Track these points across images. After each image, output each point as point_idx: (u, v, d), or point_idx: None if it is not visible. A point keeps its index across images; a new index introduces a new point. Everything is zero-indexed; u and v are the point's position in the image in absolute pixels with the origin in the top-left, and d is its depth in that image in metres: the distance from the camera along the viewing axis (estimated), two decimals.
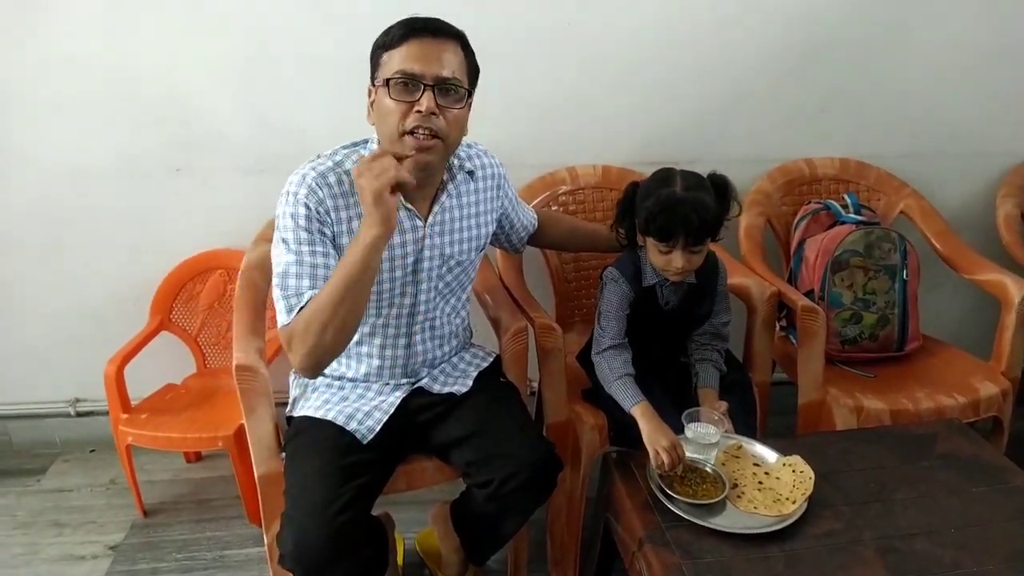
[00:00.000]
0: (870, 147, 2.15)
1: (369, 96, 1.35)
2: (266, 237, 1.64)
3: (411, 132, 1.27)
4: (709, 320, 1.65)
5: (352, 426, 1.40)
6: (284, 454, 1.43)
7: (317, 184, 1.31)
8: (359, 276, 1.22)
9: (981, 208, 2.20)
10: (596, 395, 1.66)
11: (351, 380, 1.50)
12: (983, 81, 2.12)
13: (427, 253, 1.43)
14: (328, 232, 1.32)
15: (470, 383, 1.50)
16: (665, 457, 1.34)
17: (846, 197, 2.02)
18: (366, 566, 1.36)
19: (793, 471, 1.36)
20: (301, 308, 1.26)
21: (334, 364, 1.47)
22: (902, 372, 1.85)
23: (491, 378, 1.54)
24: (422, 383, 1.50)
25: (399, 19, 1.30)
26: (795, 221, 2.05)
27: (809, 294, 1.91)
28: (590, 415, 1.63)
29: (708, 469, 1.35)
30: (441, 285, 1.49)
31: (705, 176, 1.50)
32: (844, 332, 1.88)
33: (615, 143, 2.06)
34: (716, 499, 1.28)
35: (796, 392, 1.81)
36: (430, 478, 1.50)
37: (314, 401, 1.46)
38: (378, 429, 1.42)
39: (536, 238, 1.75)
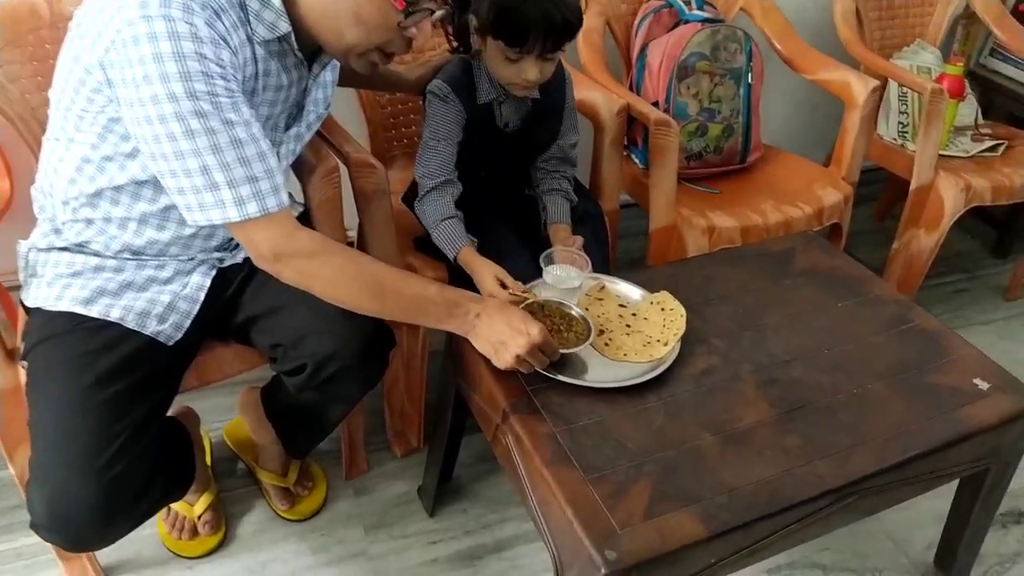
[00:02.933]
0: None
1: None
2: None
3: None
4: (556, 142, 1.41)
5: (151, 327, 1.04)
6: (25, 365, 1.04)
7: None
8: (421, 318, 1.08)
9: (818, 4, 2.07)
10: (431, 243, 1.39)
11: (136, 256, 1.08)
12: None
13: (309, 108, 1.15)
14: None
15: None
16: (501, 295, 1.16)
17: None
18: (164, 493, 1.06)
19: (662, 309, 1.20)
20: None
21: (113, 230, 1.05)
22: (746, 185, 1.74)
23: None
24: (239, 256, 1.16)
25: None
26: (635, 22, 1.80)
27: (653, 105, 1.71)
28: (427, 267, 1.37)
29: (573, 312, 1.16)
30: (298, 148, 1.17)
31: None
32: (689, 147, 1.72)
33: None
34: (581, 345, 1.10)
35: (638, 215, 1.66)
36: (228, 368, 1.19)
37: (76, 289, 1.04)
38: (188, 325, 1.07)
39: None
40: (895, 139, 2.00)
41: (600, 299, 1.23)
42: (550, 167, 1.44)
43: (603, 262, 1.41)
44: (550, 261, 1.22)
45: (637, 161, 1.79)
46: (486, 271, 1.22)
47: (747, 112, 1.75)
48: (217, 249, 1.13)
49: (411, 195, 1.46)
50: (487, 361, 1.08)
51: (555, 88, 1.37)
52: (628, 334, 1.17)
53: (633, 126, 1.75)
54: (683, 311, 1.18)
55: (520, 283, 1.19)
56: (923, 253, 1.86)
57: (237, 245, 1.15)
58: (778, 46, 1.85)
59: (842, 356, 1.16)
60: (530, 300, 1.14)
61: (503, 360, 1.03)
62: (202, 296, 1.10)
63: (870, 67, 1.93)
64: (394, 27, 0.97)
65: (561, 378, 1.06)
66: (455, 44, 1.28)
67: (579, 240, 1.32)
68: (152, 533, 1.37)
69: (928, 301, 2.04)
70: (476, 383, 1.12)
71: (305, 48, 1.03)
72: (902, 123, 2.02)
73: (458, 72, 1.31)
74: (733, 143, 1.76)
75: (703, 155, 1.74)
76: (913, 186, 1.82)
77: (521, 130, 1.37)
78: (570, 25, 1.19)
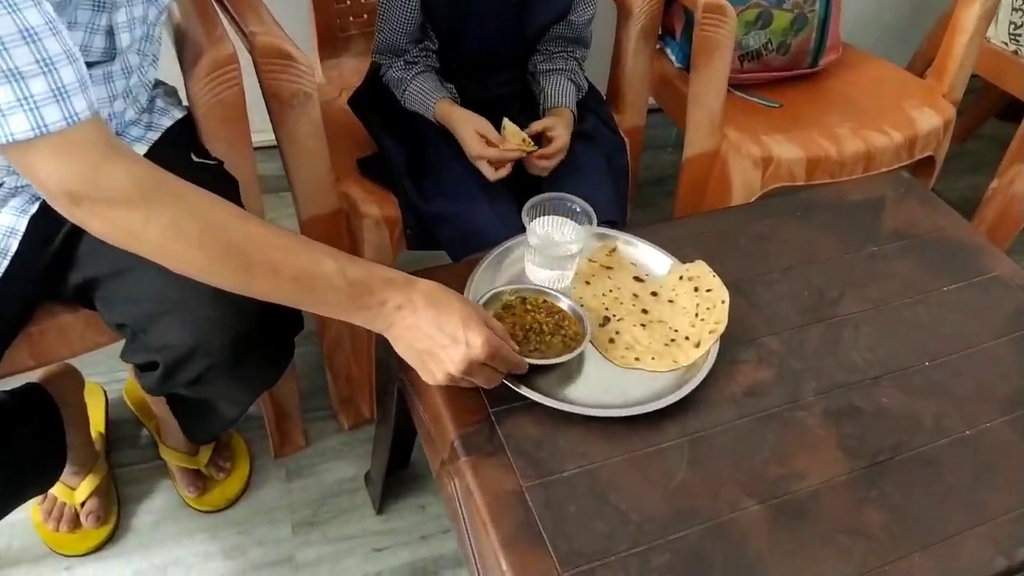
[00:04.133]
0: None
1: None
2: None
3: None
4: (567, 18, 1.01)
5: None
6: None
7: None
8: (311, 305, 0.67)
9: None
10: (383, 166, 1.02)
11: None
12: None
13: None
14: None
15: None
16: (488, 173, 0.94)
17: None
18: (15, 493, 0.81)
19: (695, 289, 0.84)
20: None
21: None
22: (816, 98, 1.33)
23: (177, 155, 0.83)
24: None
25: None
26: None
27: None
28: (372, 201, 1.00)
29: (563, 306, 0.80)
30: (147, 8, 0.75)
31: None
32: (745, 42, 1.29)
33: None
34: (572, 354, 0.75)
35: (663, 123, 1.26)
36: (78, 341, 0.85)
37: None
38: None
39: None
40: (1006, 43, 1.55)
41: (609, 268, 0.87)
42: (555, 48, 1.05)
43: (618, 205, 1.04)
44: (539, 212, 0.84)
45: (672, 57, 1.37)
46: (467, 126, 0.93)
47: None
48: None
49: (364, 95, 1.07)
50: None
51: None
52: (645, 325, 0.81)
53: (670, 8, 1.32)
54: (725, 294, 0.82)
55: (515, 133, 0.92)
56: None
57: None
58: None
59: (949, 372, 0.81)
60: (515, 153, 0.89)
61: (431, 376, 0.69)
62: (14, 244, 0.74)
63: None
64: None
65: (536, 398, 0.72)
66: None
67: (560, 133, 0.97)
68: (26, 518, 1.09)
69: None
70: (419, 389, 0.78)
71: None
72: (1015, 23, 1.56)
73: None
74: (804, 39, 1.32)
75: (762, 54, 1.31)
76: None
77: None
78: None
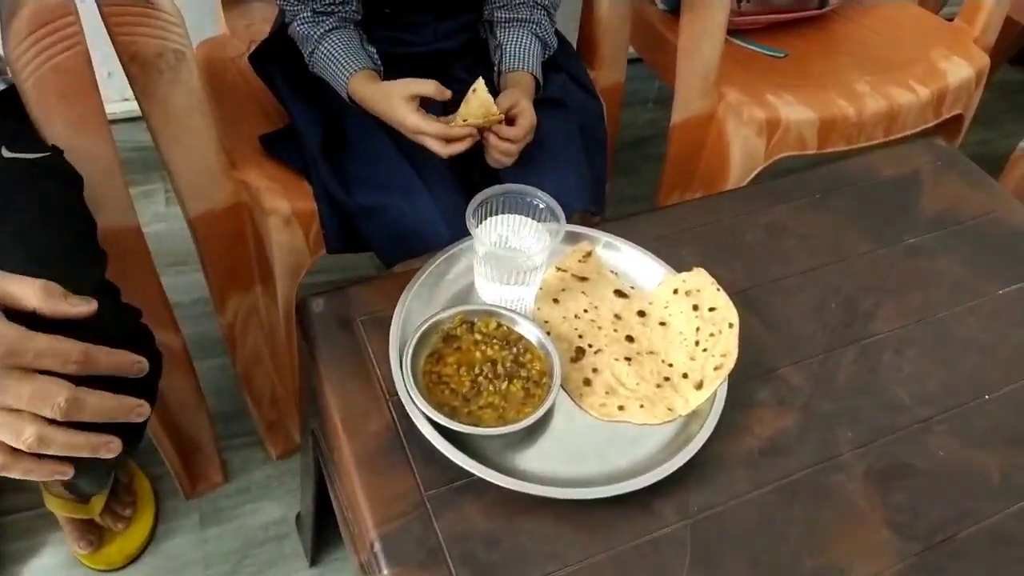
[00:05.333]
0: None
1: None
2: None
3: None
4: None
5: None
6: None
7: None
8: None
9: None
10: (293, 145, 0.80)
11: None
12: None
13: None
14: None
15: None
16: (435, 145, 0.72)
17: None
18: None
19: (694, 307, 0.64)
20: None
21: None
22: (827, 44, 1.12)
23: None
24: None
25: None
26: None
27: None
28: (279, 192, 0.78)
29: (523, 331, 0.61)
30: None
31: None
32: None
33: None
34: (537, 413, 0.56)
35: (645, 76, 1.06)
36: None
37: None
38: None
39: None
40: None
41: (583, 279, 0.67)
42: None
43: (594, 190, 0.84)
44: (490, 212, 0.64)
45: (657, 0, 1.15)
46: (392, 99, 0.72)
47: None
48: None
49: (271, 49, 0.85)
50: (351, 427, 0.55)
51: None
52: (630, 358, 0.62)
53: None
54: (734, 315, 0.63)
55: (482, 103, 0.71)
56: None
57: None
58: None
59: (1016, 410, 0.63)
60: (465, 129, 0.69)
61: None
62: None
63: None
64: None
65: (487, 475, 0.53)
66: None
67: (525, 108, 0.75)
68: None
69: None
70: (334, 451, 0.59)
71: None
72: None
73: None
74: None
75: None
76: None
77: None
78: None
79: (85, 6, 0.64)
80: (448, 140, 0.72)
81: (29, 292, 0.48)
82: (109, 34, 0.66)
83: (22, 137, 0.62)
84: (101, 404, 0.47)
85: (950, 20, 1.17)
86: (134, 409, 0.49)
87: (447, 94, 0.73)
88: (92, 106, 0.65)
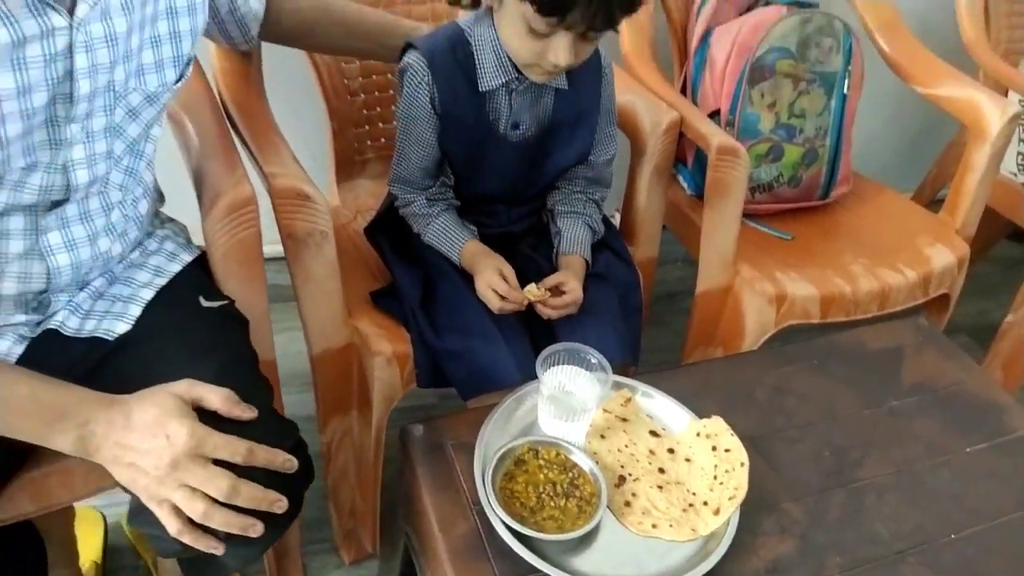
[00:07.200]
0: None
1: None
2: None
3: None
4: (587, 159, 1.02)
5: None
6: None
7: None
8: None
9: None
10: (396, 298, 1.01)
11: None
12: None
13: (83, 83, 0.66)
14: None
15: (135, 313, 0.79)
16: (494, 301, 0.93)
17: None
18: None
19: (713, 448, 0.81)
20: None
21: None
22: (828, 231, 1.33)
23: (185, 299, 0.82)
24: (54, 321, 0.77)
25: None
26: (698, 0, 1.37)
27: (713, 116, 1.30)
28: (383, 337, 0.98)
29: (578, 460, 0.78)
30: (112, 142, 0.73)
31: None
32: (756, 174, 1.31)
33: None
34: (588, 526, 0.72)
35: (670, 240, 1.27)
36: (81, 486, 0.81)
37: None
38: None
39: (270, 28, 0.97)
40: (1014, 174, 1.57)
41: (624, 420, 0.85)
42: (574, 187, 1.05)
43: (630, 346, 1.02)
44: (553, 362, 0.83)
45: (684, 184, 1.39)
46: (481, 279, 0.94)
47: (838, 132, 1.33)
48: (26, 308, 0.76)
49: (379, 225, 1.07)
50: (445, 528, 0.71)
51: (589, 81, 0.98)
52: (662, 486, 0.79)
53: (683, 139, 1.34)
54: (744, 457, 0.79)
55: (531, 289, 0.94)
56: None
57: (70, 301, 0.78)
58: (884, 45, 1.41)
59: (978, 548, 0.77)
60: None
61: (151, 498, 0.65)
62: None
63: (994, 77, 1.49)
64: None
65: (548, 571, 0.68)
66: None
67: (573, 287, 0.96)
68: None
69: None
70: (426, 548, 0.75)
71: None
72: (1023, 153, 1.58)
73: (444, 43, 0.92)
74: (815, 173, 1.34)
75: (774, 187, 1.32)
76: None
77: (537, 137, 0.98)
78: None
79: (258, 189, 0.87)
80: (503, 299, 0.93)
81: (215, 398, 0.67)
82: (276, 218, 0.88)
83: (211, 289, 0.84)
84: (252, 493, 0.66)
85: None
86: (275, 502, 0.67)
87: (513, 277, 0.94)
88: (258, 270, 0.87)
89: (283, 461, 0.69)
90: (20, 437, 0.66)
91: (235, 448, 0.66)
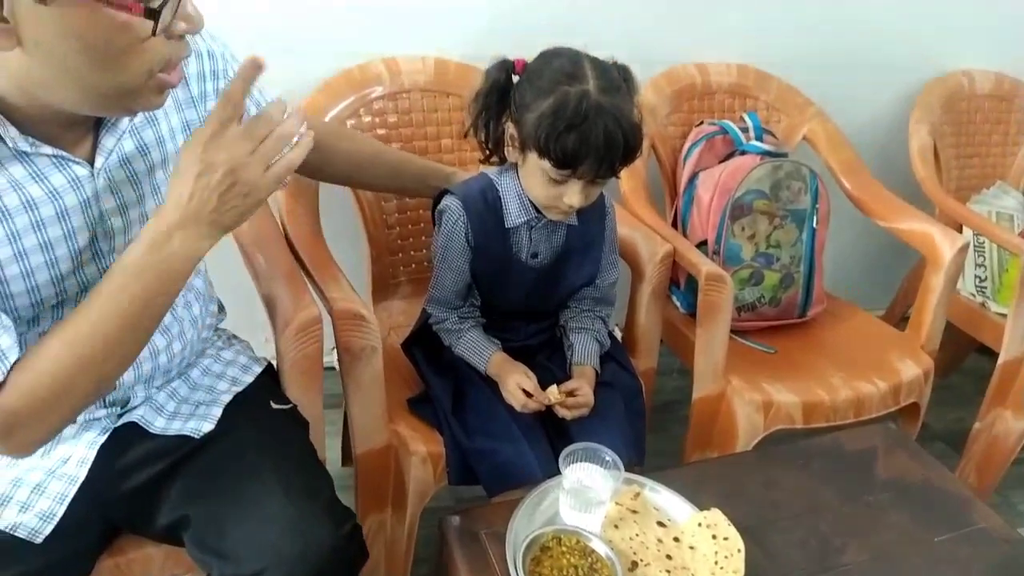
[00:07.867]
0: (771, 52, 1.71)
1: None
2: None
3: None
4: (594, 281, 1.19)
5: (7, 520, 0.80)
6: None
7: None
8: (155, 303, 0.75)
9: (890, 134, 1.86)
10: (430, 404, 1.15)
11: None
12: None
13: (114, 220, 0.81)
14: None
15: (217, 414, 0.92)
16: (520, 399, 1.08)
17: (746, 118, 1.59)
18: None
19: (713, 537, 0.93)
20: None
21: None
22: (807, 345, 1.49)
23: (258, 403, 0.96)
24: (135, 415, 0.90)
25: None
26: (685, 148, 1.59)
27: (701, 246, 1.48)
28: (419, 439, 1.11)
29: (596, 546, 0.90)
30: None
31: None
32: (741, 296, 1.48)
33: (450, 28, 1.47)
34: None
35: (668, 352, 1.42)
36: (157, 573, 0.92)
37: None
38: (60, 515, 0.82)
39: (326, 168, 1.16)
40: (973, 295, 1.75)
41: (634, 511, 0.97)
42: (583, 306, 1.22)
43: (637, 446, 1.15)
44: (574, 460, 0.96)
45: (677, 304, 1.56)
46: (510, 380, 1.09)
47: (810, 260, 1.52)
48: (105, 404, 0.89)
49: (415, 339, 1.22)
50: None
51: (595, 217, 1.17)
52: (670, 571, 0.90)
53: (676, 265, 1.52)
54: (741, 544, 0.91)
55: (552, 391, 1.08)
56: (1010, 437, 1.58)
57: (149, 399, 0.91)
58: (847, 184, 1.63)
59: None
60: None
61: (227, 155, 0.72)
62: (83, 473, 0.85)
63: (947, 212, 1.70)
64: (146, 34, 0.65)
65: None
66: (488, 153, 1.11)
67: (586, 392, 1.10)
68: None
69: (1014, 487, 1.74)
70: None
71: (42, 133, 0.73)
72: (980, 276, 1.77)
73: (476, 190, 1.11)
74: (792, 294, 1.51)
75: (756, 306, 1.50)
76: (1001, 360, 1.56)
77: (553, 264, 1.15)
78: (631, 151, 1.01)
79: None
80: (528, 397, 1.07)
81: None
82: (335, 335, 1.03)
83: (279, 395, 0.98)
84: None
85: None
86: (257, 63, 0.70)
87: (533, 383, 1.09)
88: (317, 379, 1.01)
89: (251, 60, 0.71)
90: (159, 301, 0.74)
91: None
